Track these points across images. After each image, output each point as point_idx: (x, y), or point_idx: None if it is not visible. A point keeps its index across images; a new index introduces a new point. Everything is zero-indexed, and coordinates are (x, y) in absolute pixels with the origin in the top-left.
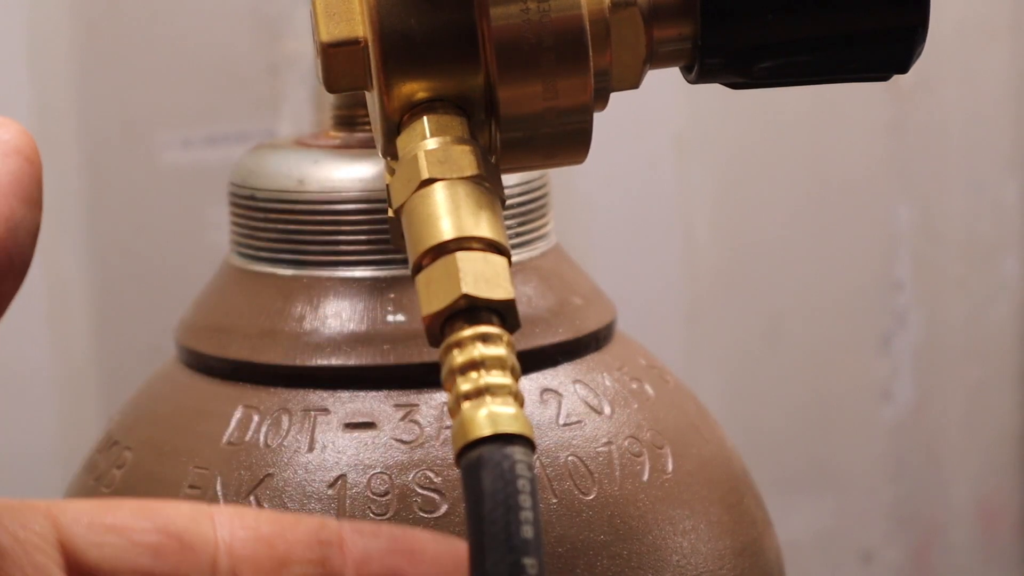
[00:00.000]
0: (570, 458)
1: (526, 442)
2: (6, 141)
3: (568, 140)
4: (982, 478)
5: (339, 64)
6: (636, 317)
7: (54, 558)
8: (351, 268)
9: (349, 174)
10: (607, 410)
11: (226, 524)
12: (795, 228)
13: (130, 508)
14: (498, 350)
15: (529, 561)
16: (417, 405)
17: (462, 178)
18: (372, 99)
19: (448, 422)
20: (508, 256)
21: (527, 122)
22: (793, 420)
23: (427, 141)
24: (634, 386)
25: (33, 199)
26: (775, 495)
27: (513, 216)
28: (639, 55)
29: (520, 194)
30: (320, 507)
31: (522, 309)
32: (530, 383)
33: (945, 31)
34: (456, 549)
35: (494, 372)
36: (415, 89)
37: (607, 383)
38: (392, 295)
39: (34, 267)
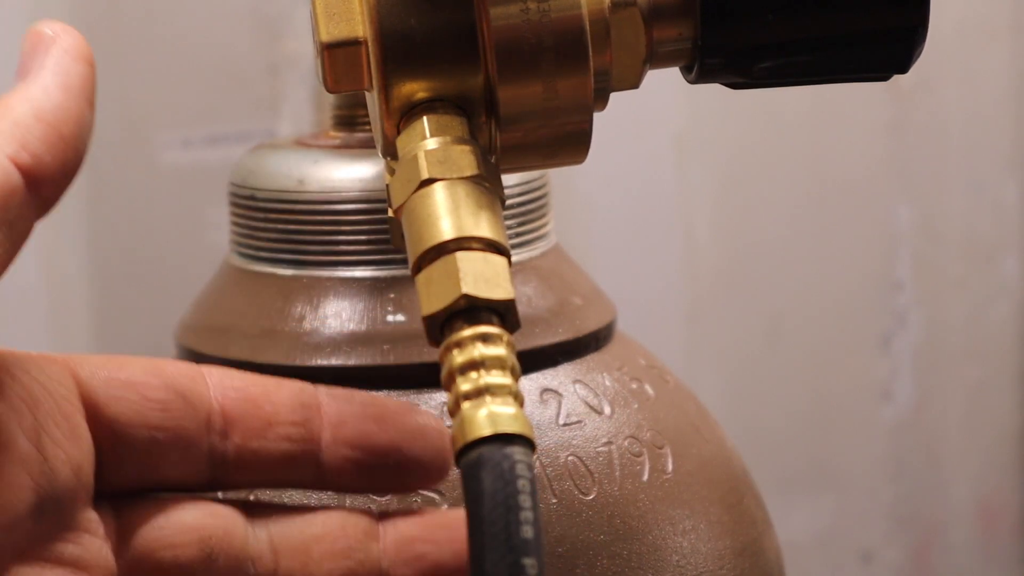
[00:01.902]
0: (570, 458)
1: (526, 442)
2: (76, 47)
3: (568, 140)
4: (982, 478)
5: (339, 64)
6: (636, 317)
7: (79, 409)
8: (351, 268)
9: (349, 174)
10: (607, 410)
11: (217, 384)
12: (795, 228)
13: (140, 365)
14: (498, 350)
15: (529, 561)
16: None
17: (462, 178)
18: (372, 99)
19: (448, 422)
20: (508, 256)
21: (527, 122)
22: (793, 420)
23: (427, 141)
24: (634, 386)
25: (93, 100)
26: (775, 495)
27: (513, 216)
28: (639, 55)
29: (520, 194)
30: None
31: (522, 309)
32: (530, 383)
33: (945, 31)
34: (418, 416)
35: (494, 372)
36: (415, 89)
37: (607, 383)
38: (392, 295)
39: (34, 267)
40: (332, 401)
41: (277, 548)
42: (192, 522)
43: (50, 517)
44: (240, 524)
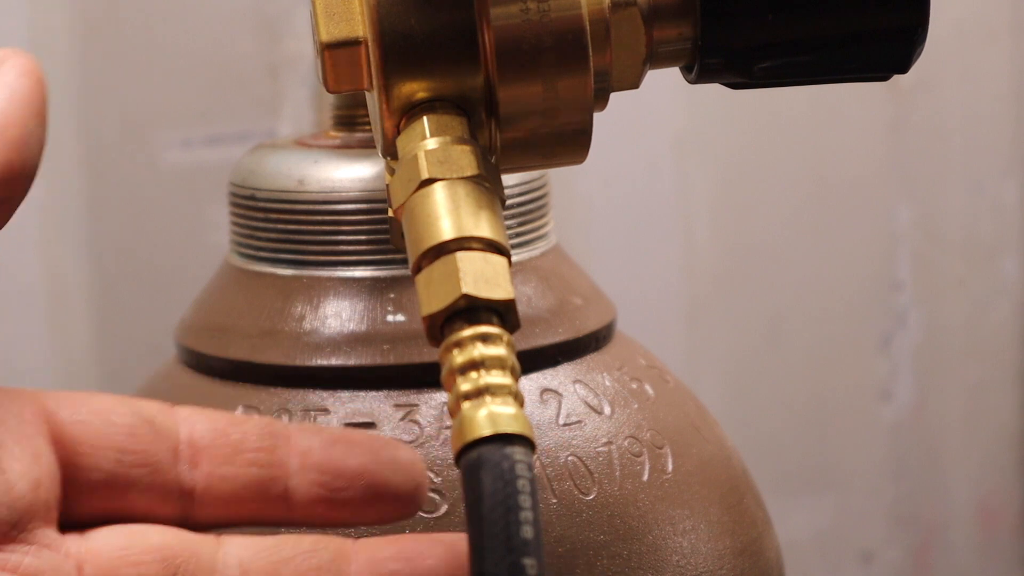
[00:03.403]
0: (570, 458)
1: (526, 442)
2: (19, 64)
3: (568, 140)
4: (982, 478)
5: (339, 64)
6: (636, 317)
7: (41, 430)
8: (351, 268)
9: (349, 174)
10: (607, 410)
11: (187, 419)
12: (795, 228)
13: (110, 397)
14: (498, 350)
15: (529, 561)
16: (417, 405)
17: (462, 178)
18: (372, 99)
19: (448, 422)
20: (508, 256)
21: (527, 122)
22: (793, 420)
23: (427, 141)
24: (634, 386)
25: (41, 114)
26: (775, 495)
27: (513, 216)
28: (639, 55)
29: (520, 194)
30: None
31: (522, 309)
32: (530, 383)
33: (945, 31)
34: (390, 447)
35: (494, 372)
36: (415, 89)
37: (607, 383)
38: (392, 295)
39: (34, 267)
40: (301, 432)
41: (247, 570)
42: (158, 543)
43: (2, 528)
44: (209, 547)
